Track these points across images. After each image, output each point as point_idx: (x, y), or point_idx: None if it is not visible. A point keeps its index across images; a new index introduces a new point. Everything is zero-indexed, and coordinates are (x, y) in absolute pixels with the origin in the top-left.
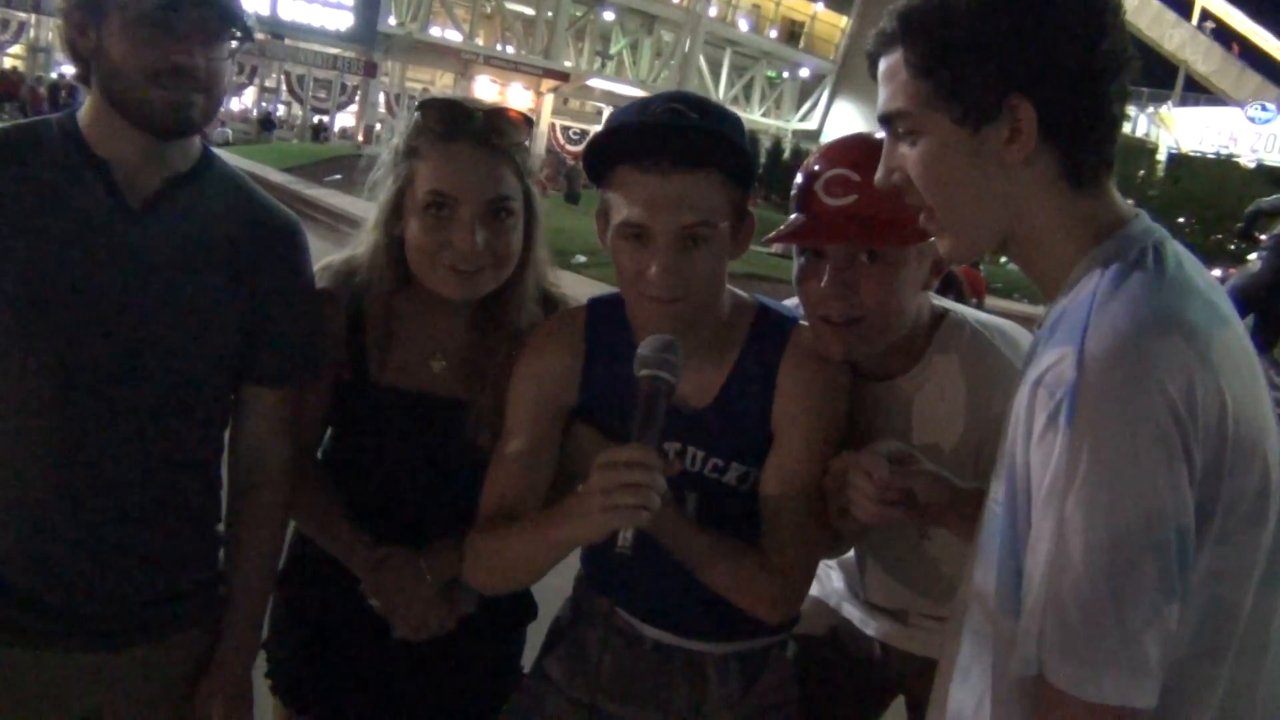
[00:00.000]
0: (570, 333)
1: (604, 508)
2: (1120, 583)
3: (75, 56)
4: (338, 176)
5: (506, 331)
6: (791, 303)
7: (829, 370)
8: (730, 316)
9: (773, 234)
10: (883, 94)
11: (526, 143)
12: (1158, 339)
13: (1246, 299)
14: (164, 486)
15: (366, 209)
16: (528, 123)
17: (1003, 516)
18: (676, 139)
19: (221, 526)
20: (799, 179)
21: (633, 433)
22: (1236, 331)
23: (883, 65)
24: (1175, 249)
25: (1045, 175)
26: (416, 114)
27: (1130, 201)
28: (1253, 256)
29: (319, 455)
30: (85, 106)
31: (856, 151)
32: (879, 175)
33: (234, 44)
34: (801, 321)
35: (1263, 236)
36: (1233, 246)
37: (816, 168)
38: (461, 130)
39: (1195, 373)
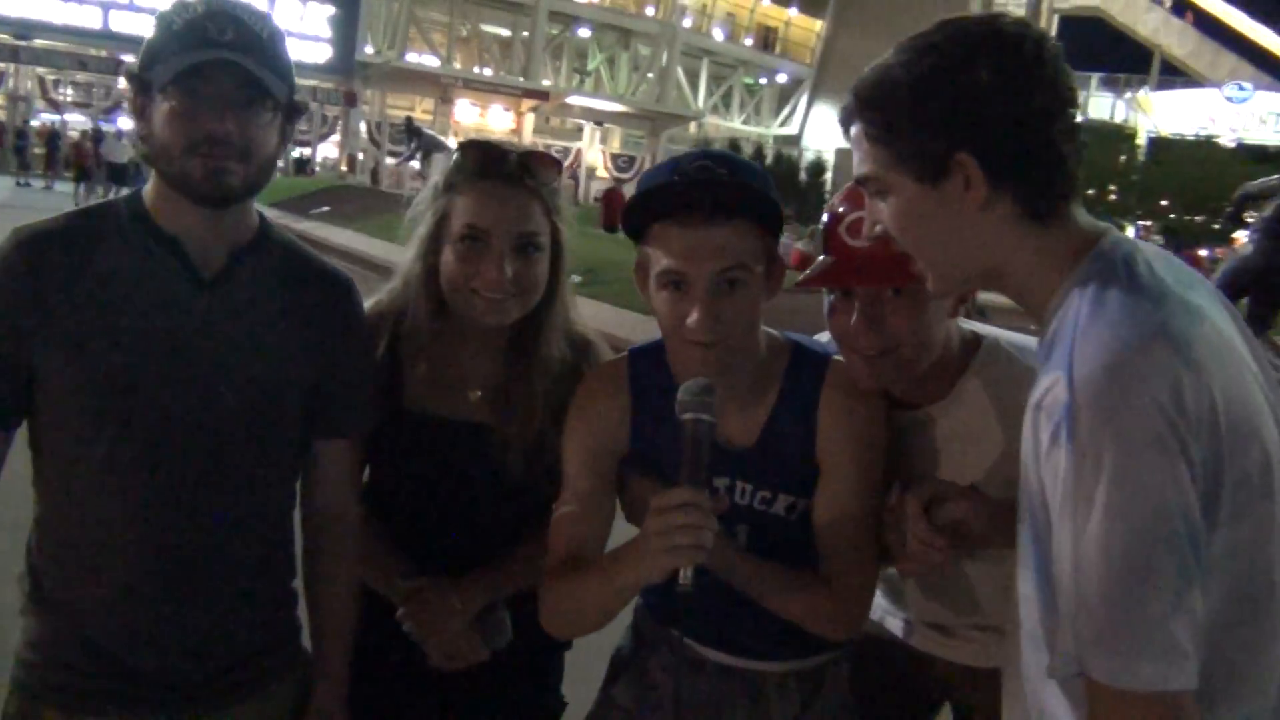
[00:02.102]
0: (615, 382)
1: (662, 550)
2: (1139, 577)
3: (142, 141)
4: (325, 208)
5: (537, 362)
6: (823, 338)
7: (866, 401)
8: (767, 356)
9: (802, 277)
10: (855, 159)
11: (556, 184)
12: (1140, 352)
13: (1239, 282)
14: (246, 546)
15: (353, 240)
16: (557, 165)
17: (1026, 529)
18: (708, 194)
19: (297, 581)
20: (824, 220)
21: (681, 475)
22: (1214, 322)
23: (851, 133)
24: (1144, 256)
25: (1006, 216)
26: (456, 154)
27: (1112, 188)
28: (1242, 239)
29: None
30: (149, 186)
31: None
32: (865, 229)
33: (273, 111)
34: (835, 356)
35: (1250, 219)
36: (1216, 226)
37: (841, 210)
38: (496, 170)
39: (1181, 375)
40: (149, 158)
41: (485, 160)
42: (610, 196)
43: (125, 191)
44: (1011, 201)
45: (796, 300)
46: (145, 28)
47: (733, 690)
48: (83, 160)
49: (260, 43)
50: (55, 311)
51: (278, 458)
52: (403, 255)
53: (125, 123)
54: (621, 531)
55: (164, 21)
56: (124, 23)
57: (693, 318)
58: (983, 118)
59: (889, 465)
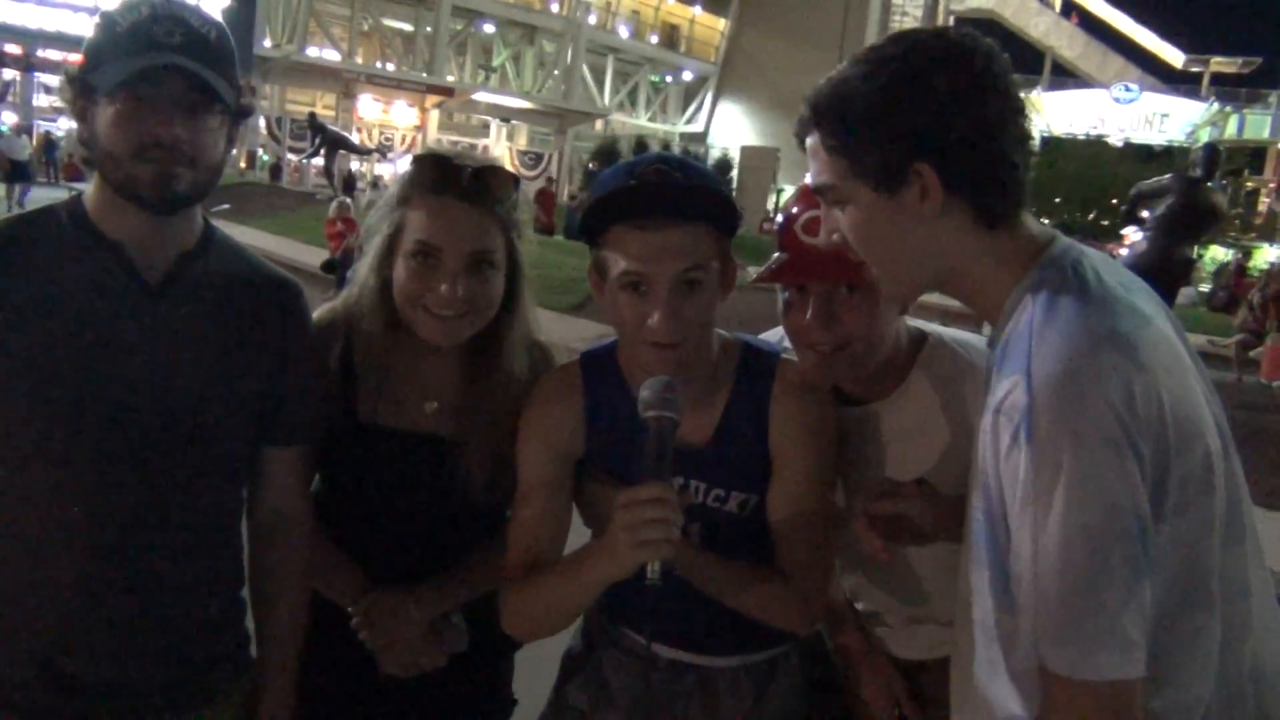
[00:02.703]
0: (569, 386)
1: (631, 544)
2: (1095, 571)
3: (83, 144)
4: (226, 205)
5: (498, 375)
6: (771, 336)
7: (816, 398)
8: (719, 355)
9: (758, 274)
10: (811, 169)
11: (514, 198)
12: (1092, 356)
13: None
14: (194, 555)
15: (255, 238)
16: (514, 180)
17: (981, 525)
18: (666, 196)
19: (244, 591)
20: (780, 219)
21: (646, 471)
22: (1158, 326)
23: (808, 144)
24: (1092, 263)
25: (960, 223)
26: (411, 165)
27: None
28: (1136, 235)
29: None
30: (90, 191)
31: None
32: (822, 236)
33: (221, 115)
34: (783, 355)
35: (1144, 215)
36: (1106, 222)
37: (795, 209)
38: (450, 185)
39: (1131, 377)
40: (90, 161)
41: (440, 175)
42: (544, 197)
43: (24, 190)
44: (967, 209)
45: (751, 303)
46: (29, 18)
47: (685, 686)
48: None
49: (208, 45)
50: None
51: (224, 465)
52: (299, 254)
53: (9, 116)
54: (579, 537)
55: (108, 23)
56: (8, 13)
57: (654, 319)
58: (940, 128)
59: (839, 460)
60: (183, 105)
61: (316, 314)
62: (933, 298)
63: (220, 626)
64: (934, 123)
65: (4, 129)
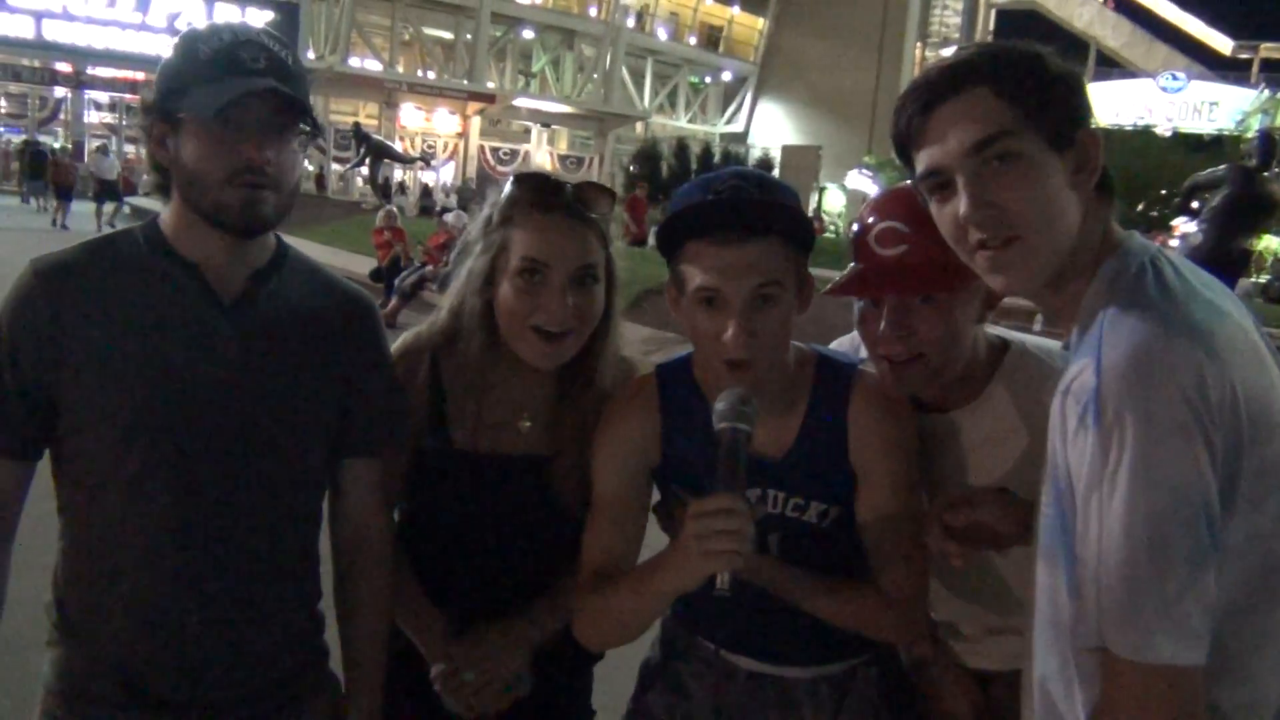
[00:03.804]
0: (645, 398)
1: (700, 554)
2: (1158, 555)
3: (156, 169)
4: None
5: (591, 391)
6: (842, 344)
7: (894, 408)
8: (794, 367)
9: (831, 285)
10: (962, 127)
11: (608, 214)
12: (1165, 341)
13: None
14: (270, 571)
15: (305, 248)
16: (611, 195)
17: (1053, 514)
18: (741, 212)
19: (321, 603)
20: (854, 229)
21: (719, 483)
22: (1236, 320)
23: (956, 104)
24: (1169, 259)
25: (1088, 208)
26: (511, 186)
27: None
28: (1189, 227)
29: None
30: (166, 214)
31: (904, 204)
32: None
33: (302, 137)
34: (860, 366)
35: (1195, 205)
36: (1155, 214)
37: (869, 220)
38: (553, 201)
39: (1204, 366)
40: (164, 187)
41: (542, 192)
42: (634, 205)
43: (113, 206)
44: (1094, 195)
45: (823, 307)
46: (79, 36)
47: (765, 697)
48: (62, 178)
49: (288, 68)
50: (77, 341)
51: (303, 479)
52: (347, 263)
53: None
54: (653, 545)
55: (189, 49)
56: (58, 32)
57: (728, 334)
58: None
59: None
60: (271, 128)
61: (401, 339)
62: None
63: (299, 640)
64: (1090, 112)
65: (109, 149)
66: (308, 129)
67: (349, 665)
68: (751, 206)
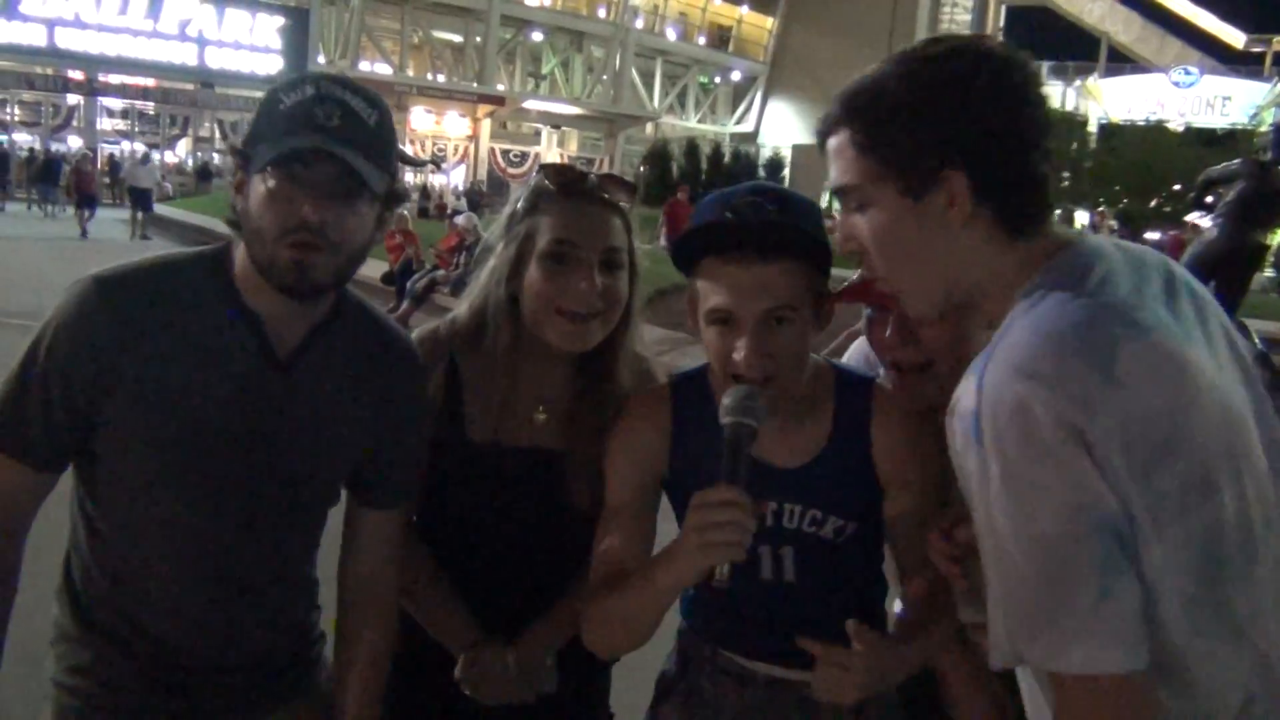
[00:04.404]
0: (658, 408)
1: (699, 545)
2: (1058, 573)
3: (234, 220)
4: None
5: (609, 385)
6: (853, 353)
7: (914, 417)
8: (811, 381)
9: (838, 291)
10: (833, 170)
11: (629, 206)
12: (1050, 361)
13: (1206, 266)
14: (284, 578)
15: None
16: (631, 188)
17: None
18: (757, 233)
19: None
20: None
21: (721, 475)
22: (1156, 338)
23: (831, 144)
24: (1108, 266)
25: (984, 235)
26: (537, 175)
27: (1065, 174)
28: (1203, 222)
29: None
30: (240, 254)
31: None
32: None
33: (371, 201)
34: (877, 380)
35: (1209, 200)
36: (1168, 209)
37: None
38: (579, 188)
39: (1092, 388)
40: (237, 230)
41: (567, 179)
42: (675, 211)
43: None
44: (991, 220)
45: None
46: (91, 43)
47: (784, 702)
48: (84, 185)
49: (366, 129)
50: (132, 363)
51: (317, 519)
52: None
53: (74, 140)
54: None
55: (272, 99)
56: (70, 40)
57: (739, 353)
58: (975, 134)
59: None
60: (333, 192)
61: (415, 335)
62: None
63: (298, 635)
64: (969, 128)
65: (140, 154)
66: (379, 194)
67: (339, 692)
68: (768, 227)
